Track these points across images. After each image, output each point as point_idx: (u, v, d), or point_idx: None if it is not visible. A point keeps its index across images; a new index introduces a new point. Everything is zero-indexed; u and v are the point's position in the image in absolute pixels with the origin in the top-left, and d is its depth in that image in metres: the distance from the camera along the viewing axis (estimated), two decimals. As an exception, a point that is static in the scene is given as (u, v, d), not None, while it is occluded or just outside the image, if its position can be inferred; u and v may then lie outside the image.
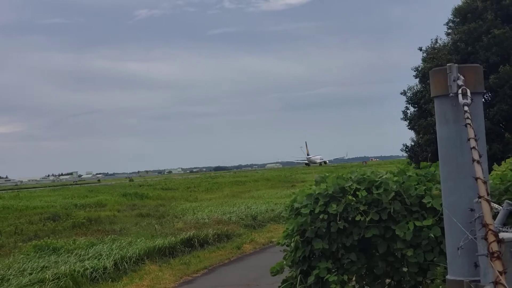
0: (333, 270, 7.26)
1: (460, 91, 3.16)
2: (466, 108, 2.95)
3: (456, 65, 3.30)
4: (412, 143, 34.30)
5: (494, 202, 3.05)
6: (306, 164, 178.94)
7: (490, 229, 1.98)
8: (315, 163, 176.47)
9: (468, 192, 3.19)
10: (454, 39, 31.97)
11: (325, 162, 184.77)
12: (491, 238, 1.93)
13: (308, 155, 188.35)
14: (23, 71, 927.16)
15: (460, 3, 32.94)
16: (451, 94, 3.25)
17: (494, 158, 18.20)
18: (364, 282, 7.46)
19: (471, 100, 3.10)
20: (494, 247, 1.90)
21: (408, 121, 34.56)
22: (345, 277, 7.24)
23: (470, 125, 2.75)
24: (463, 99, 3.09)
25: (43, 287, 15.61)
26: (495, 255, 1.86)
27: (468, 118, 2.83)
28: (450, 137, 3.30)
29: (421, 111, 33.35)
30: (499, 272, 1.77)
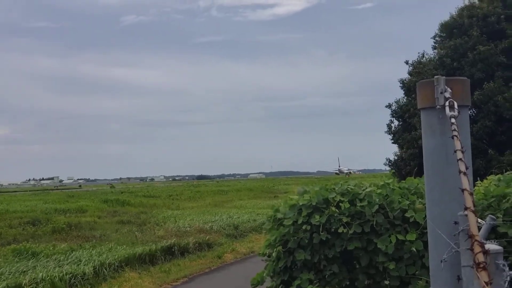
0: (315, 282, 7.23)
1: (447, 103, 3.15)
2: (453, 120, 2.93)
3: (444, 77, 3.28)
4: (396, 157, 34.35)
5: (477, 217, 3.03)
6: (336, 173, 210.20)
7: (476, 240, 1.97)
8: (343, 173, 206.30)
9: (452, 205, 3.17)
10: (440, 54, 32.20)
11: (350, 173, 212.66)
12: (477, 248, 1.91)
13: (339, 166, 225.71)
14: (7, 73, 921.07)
15: (447, 18, 33.25)
16: (438, 106, 3.23)
17: (477, 174, 18.26)
18: (345, 294, 7.43)
19: (458, 112, 3.09)
20: (480, 257, 1.89)
21: (392, 134, 34.64)
22: (327, 289, 7.22)
23: (457, 137, 2.74)
24: (450, 111, 3.08)
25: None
26: (481, 265, 1.85)
27: (455, 130, 2.82)
28: (436, 149, 3.29)
29: (405, 125, 33.45)
30: (485, 282, 1.76)
